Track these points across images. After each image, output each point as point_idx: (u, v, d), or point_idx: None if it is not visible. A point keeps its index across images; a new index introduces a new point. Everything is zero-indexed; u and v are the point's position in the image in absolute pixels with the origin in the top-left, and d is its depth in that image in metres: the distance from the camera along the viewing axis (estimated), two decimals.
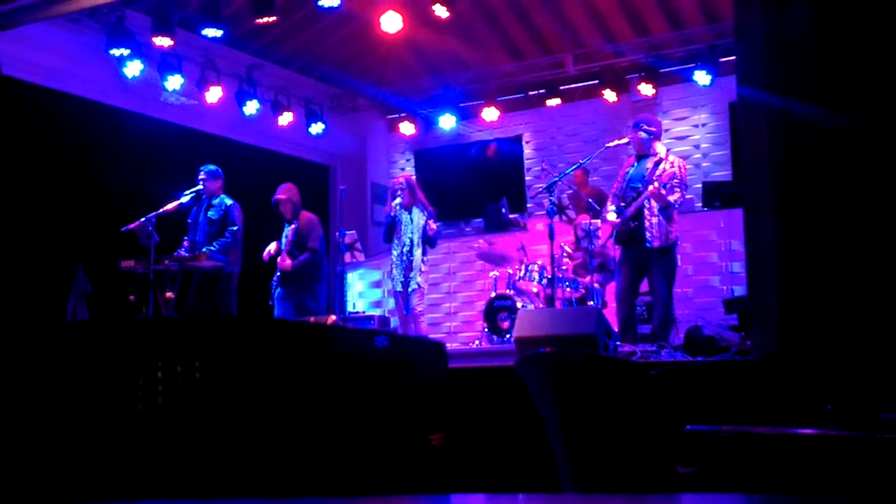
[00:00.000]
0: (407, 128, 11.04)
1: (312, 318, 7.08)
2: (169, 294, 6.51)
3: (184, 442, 2.81)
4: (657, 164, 6.34)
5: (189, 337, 2.97)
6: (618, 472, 2.66)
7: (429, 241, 7.37)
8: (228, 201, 7.17)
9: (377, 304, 10.43)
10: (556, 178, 6.96)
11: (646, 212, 6.21)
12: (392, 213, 7.28)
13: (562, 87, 10.24)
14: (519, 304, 7.79)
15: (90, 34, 8.17)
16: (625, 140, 7.07)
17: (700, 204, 8.81)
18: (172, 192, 7.05)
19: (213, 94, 9.04)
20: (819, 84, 4.15)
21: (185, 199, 6.99)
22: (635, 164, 6.50)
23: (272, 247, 7.47)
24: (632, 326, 6.30)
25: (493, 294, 8.26)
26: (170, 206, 6.85)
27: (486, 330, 8.14)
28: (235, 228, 7.07)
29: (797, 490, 2.28)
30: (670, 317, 6.34)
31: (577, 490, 2.70)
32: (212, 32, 8.14)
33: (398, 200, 7.30)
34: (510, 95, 10.71)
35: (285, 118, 9.91)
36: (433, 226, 7.33)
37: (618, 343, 5.30)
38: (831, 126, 4.06)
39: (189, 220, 7.20)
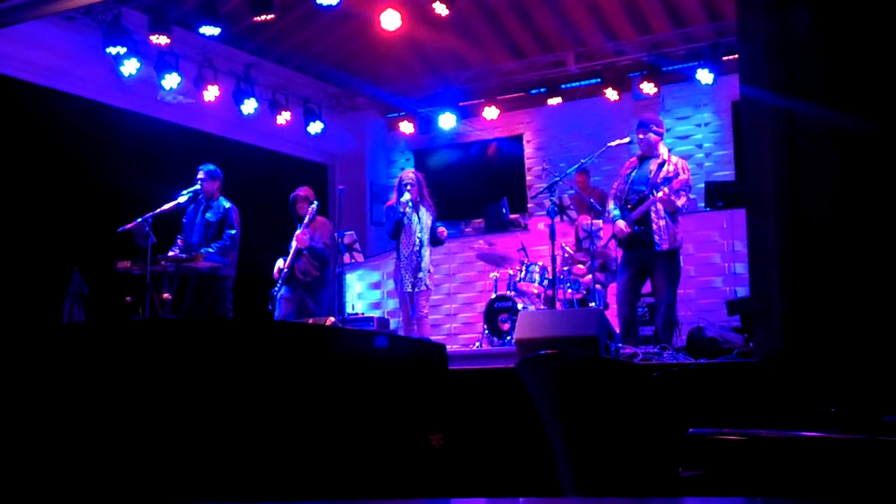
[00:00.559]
0: (406, 127, 11.00)
1: (311, 320, 7.03)
2: (165, 295, 6.47)
3: (182, 444, 2.77)
4: (660, 166, 6.29)
5: (187, 339, 2.93)
6: (620, 475, 2.63)
7: (436, 241, 7.28)
8: (227, 204, 7.13)
9: (376, 306, 10.38)
10: (557, 178, 6.91)
11: (653, 215, 6.17)
12: (402, 210, 7.13)
13: (563, 86, 10.21)
14: (520, 306, 7.74)
15: (86, 32, 8.13)
16: (626, 140, 7.03)
17: (703, 204, 8.77)
18: (169, 192, 7.00)
19: (211, 93, 9.00)
20: (823, 83, 4.10)
21: (182, 199, 6.95)
22: (637, 165, 6.45)
23: (280, 263, 7.42)
24: (633, 328, 6.27)
25: (493, 295, 8.22)
26: (167, 207, 6.81)
27: (486, 331, 8.09)
28: (234, 232, 7.05)
29: (801, 493, 2.24)
30: (673, 318, 6.30)
31: (578, 494, 2.67)
32: (209, 30, 8.12)
33: (408, 196, 7.15)
34: (511, 94, 10.67)
35: (283, 117, 9.87)
36: (444, 231, 7.27)
37: (619, 345, 5.26)
38: (835, 125, 4.02)
39: (184, 220, 7.15)
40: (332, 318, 6.91)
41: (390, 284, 8.85)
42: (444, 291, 9.98)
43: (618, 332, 5.84)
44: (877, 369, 3.69)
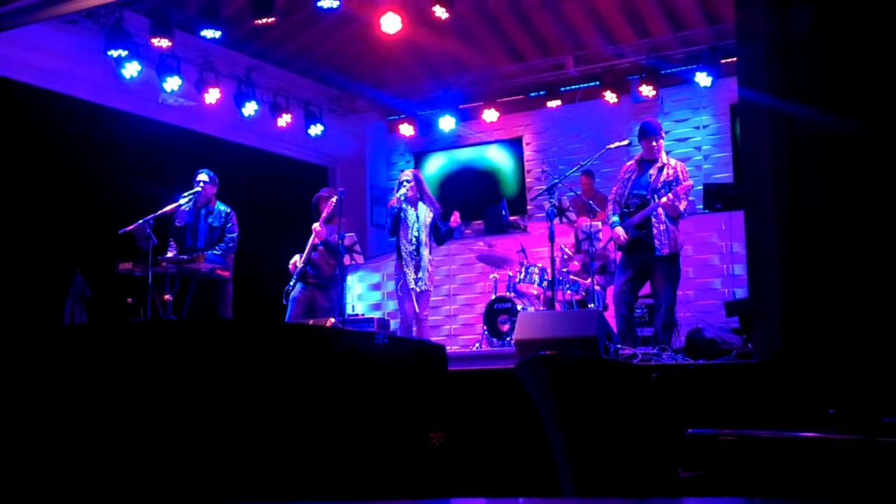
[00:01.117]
0: (406, 129, 11.02)
1: (311, 321, 7.03)
2: (167, 297, 6.48)
3: (184, 445, 2.78)
4: (660, 170, 6.31)
5: (189, 340, 2.94)
6: (619, 476, 2.64)
7: (439, 237, 7.22)
8: (226, 208, 7.18)
9: (376, 307, 10.40)
10: (557, 181, 6.93)
11: (654, 219, 6.18)
12: (398, 206, 7.11)
13: (562, 89, 10.22)
14: (519, 307, 7.76)
15: (88, 35, 8.14)
16: (626, 142, 7.05)
17: (701, 206, 8.79)
18: (170, 194, 7.02)
19: (212, 96, 9.01)
20: (821, 86, 4.12)
21: (183, 202, 6.97)
22: (636, 169, 6.45)
23: (295, 258, 7.41)
24: (631, 329, 6.28)
25: (493, 296, 8.23)
26: (168, 209, 6.83)
27: (486, 333, 8.11)
28: (235, 235, 7.12)
29: (799, 494, 2.26)
30: (673, 319, 6.32)
31: (578, 494, 2.68)
32: (210, 33, 8.12)
33: (403, 191, 7.09)
34: (510, 97, 10.68)
35: (284, 119, 9.88)
36: (457, 217, 7.15)
37: (618, 346, 5.28)
38: (833, 128, 4.03)
39: (178, 224, 7.10)
40: (333, 319, 6.91)
41: (390, 286, 8.87)
42: (443, 293, 10.00)
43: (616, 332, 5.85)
44: (875, 370, 3.71)
